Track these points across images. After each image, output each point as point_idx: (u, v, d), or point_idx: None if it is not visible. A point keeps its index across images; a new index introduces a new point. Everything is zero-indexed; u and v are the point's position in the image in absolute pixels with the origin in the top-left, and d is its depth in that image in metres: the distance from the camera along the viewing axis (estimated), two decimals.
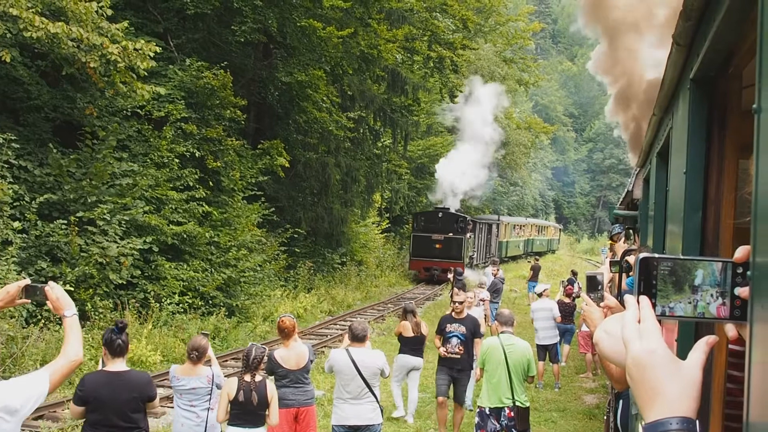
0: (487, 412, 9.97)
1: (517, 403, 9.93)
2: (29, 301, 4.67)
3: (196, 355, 8.26)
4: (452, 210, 43.10)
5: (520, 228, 62.36)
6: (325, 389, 14.72)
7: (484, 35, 52.33)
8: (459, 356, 12.00)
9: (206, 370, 8.26)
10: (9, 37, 15.90)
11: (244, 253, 22.98)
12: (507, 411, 9.89)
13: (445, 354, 12.02)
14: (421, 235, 40.71)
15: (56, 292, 4.41)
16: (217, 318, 20.24)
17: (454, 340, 12.04)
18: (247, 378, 7.79)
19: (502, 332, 10.26)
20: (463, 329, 12.04)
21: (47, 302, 4.47)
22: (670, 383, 1.47)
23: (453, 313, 12.28)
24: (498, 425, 9.92)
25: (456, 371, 12.16)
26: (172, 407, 13.77)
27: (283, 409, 8.70)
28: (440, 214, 41.60)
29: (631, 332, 1.56)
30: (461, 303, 12.29)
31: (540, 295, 17.92)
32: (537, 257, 43.66)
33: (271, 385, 8.06)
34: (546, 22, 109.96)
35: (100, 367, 6.62)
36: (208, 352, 8.41)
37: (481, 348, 10.73)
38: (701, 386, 1.49)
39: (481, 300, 19.06)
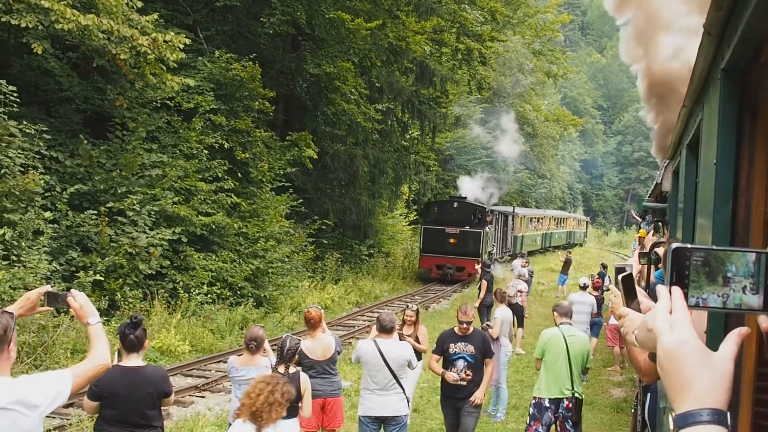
0: (546, 404, 9.94)
1: (576, 395, 9.93)
2: (51, 308, 4.65)
3: (255, 346, 8.38)
4: (469, 199, 38.86)
5: (537, 221, 55.98)
6: (353, 380, 14.75)
7: (513, 27, 52.08)
8: (466, 383, 9.63)
9: (264, 361, 8.33)
10: (41, 29, 16.05)
11: (273, 244, 23.07)
12: (566, 402, 9.87)
13: (456, 380, 9.64)
14: (432, 227, 36.02)
15: (79, 300, 4.40)
16: (245, 308, 20.33)
17: (461, 363, 9.66)
18: (281, 369, 7.80)
19: (561, 323, 10.22)
20: (471, 349, 9.69)
21: (70, 310, 4.48)
22: (702, 375, 1.47)
23: (457, 330, 9.86)
24: (553, 418, 9.91)
25: (461, 400, 9.75)
26: (202, 397, 13.98)
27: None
28: (455, 204, 37.19)
29: (663, 323, 1.56)
30: (468, 324, 9.70)
31: (584, 287, 17.84)
32: (569, 250, 42.31)
33: (304, 377, 8.06)
34: (575, 14, 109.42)
35: (115, 361, 6.58)
36: (265, 344, 8.49)
37: (540, 339, 10.43)
38: (733, 378, 1.49)
39: (519, 291, 19.13)
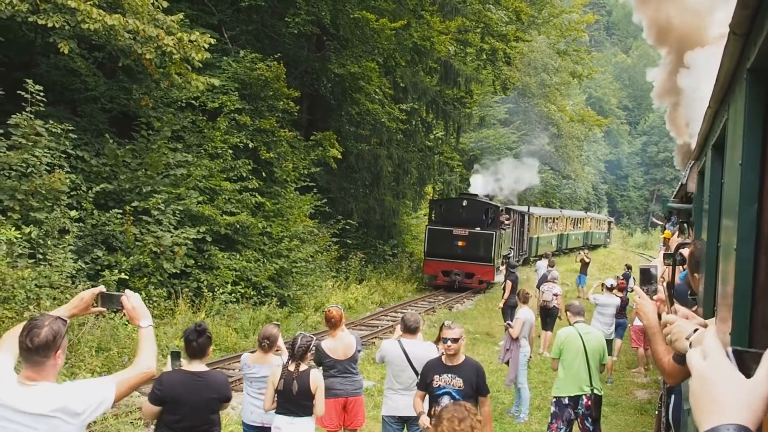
0: (566, 402, 10.05)
1: (595, 391, 10.04)
2: (105, 309, 4.68)
3: (268, 344, 8.40)
4: (480, 197, 35.64)
5: (553, 221, 52.43)
6: (376, 380, 14.75)
7: (538, 27, 51.87)
8: None
9: (277, 359, 8.31)
10: (67, 29, 16.15)
11: (297, 244, 23.10)
12: (585, 399, 9.98)
13: (425, 426, 7.71)
14: (439, 228, 32.42)
15: (133, 302, 4.43)
16: (269, 308, 20.39)
17: (446, 400, 7.42)
18: (291, 367, 7.78)
19: (575, 322, 10.36)
20: (458, 382, 7.71)
21: (123, 311, 4.50)
22: (732, 394, 1.47)
23: (444, 359, 7.89)
24: (573, 414, 9.97)
25: None
26: None
27: (331, 398, 8.74)
28: (464, 202, 33.52)
29: (695, 351, 1.56)
30: (455, 341, 7.72)
31: (611, 289, 17.76)
32: (587, 252, 41.74)
33: (315, 374, 7.98)
34: (600, 14, 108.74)
35: (168, 365, 6.65)
36: (279, 342, 8.51)
37: (556, 339, 10.46)
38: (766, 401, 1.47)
39: (554, 295, 19.06)
